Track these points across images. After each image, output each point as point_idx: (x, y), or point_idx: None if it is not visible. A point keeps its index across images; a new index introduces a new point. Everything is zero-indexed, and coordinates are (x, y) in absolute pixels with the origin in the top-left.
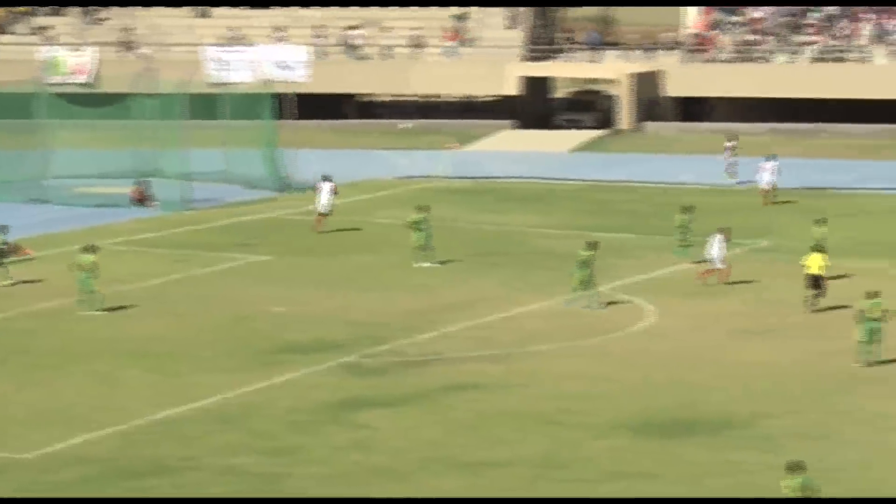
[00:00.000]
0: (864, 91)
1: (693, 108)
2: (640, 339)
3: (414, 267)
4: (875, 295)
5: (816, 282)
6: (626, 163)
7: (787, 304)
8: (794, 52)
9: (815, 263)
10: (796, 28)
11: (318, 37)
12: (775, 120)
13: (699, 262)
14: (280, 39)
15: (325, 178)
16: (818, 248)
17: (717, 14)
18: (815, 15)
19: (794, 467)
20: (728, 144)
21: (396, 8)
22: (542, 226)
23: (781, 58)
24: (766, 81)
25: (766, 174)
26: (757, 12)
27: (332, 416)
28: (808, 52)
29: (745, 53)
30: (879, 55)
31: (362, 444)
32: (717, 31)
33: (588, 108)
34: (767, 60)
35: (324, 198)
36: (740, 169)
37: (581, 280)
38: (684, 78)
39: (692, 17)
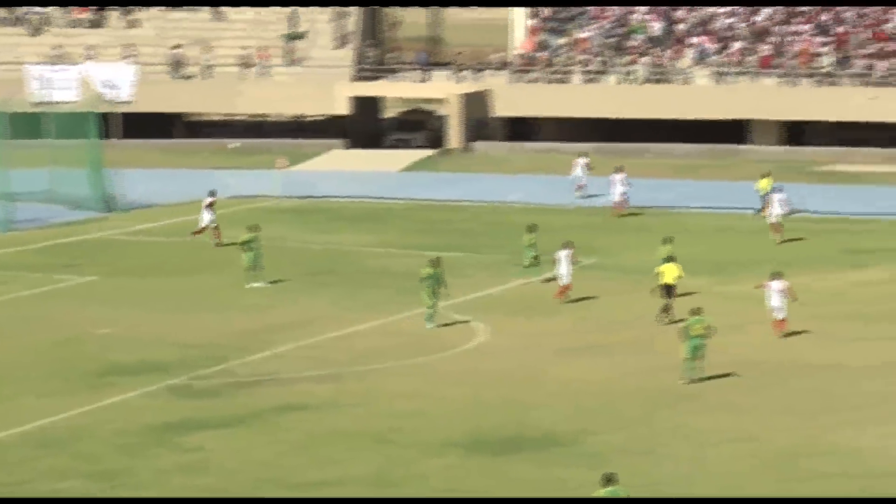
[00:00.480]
0: (686, 111)
1: (521, 128)
2: (472, 357)
3: (246, 288)
4: (698, 312)
5: (669, 291)
6: (455, 182)
7: (617, 321)
8: (619, 73)
9: (670, 273)
10: (620, 50)
11: (145, 55)
12: (600, 139)
13: (549, 279)
14: (106, 58)
15: (211, 194)
16: (672, 259)
17: (543, 35)
18: (639, 36)
19: (606, 480)
20: (581, 161)
21: (227, 26)
22: (374, 245)
23: (608, 78)
24: (590, 101)
25: (617, 186)
26: (582, 33)
27: (161, 439)
28: (632, 72)
29: (570, 74)
30: (700, 76)
31: (192, 467)
32: (543, 52)
33: (418, 127)
34: (593, 81)
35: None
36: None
37: (429, 296)
38: (512, 98)
39: (519, 39)
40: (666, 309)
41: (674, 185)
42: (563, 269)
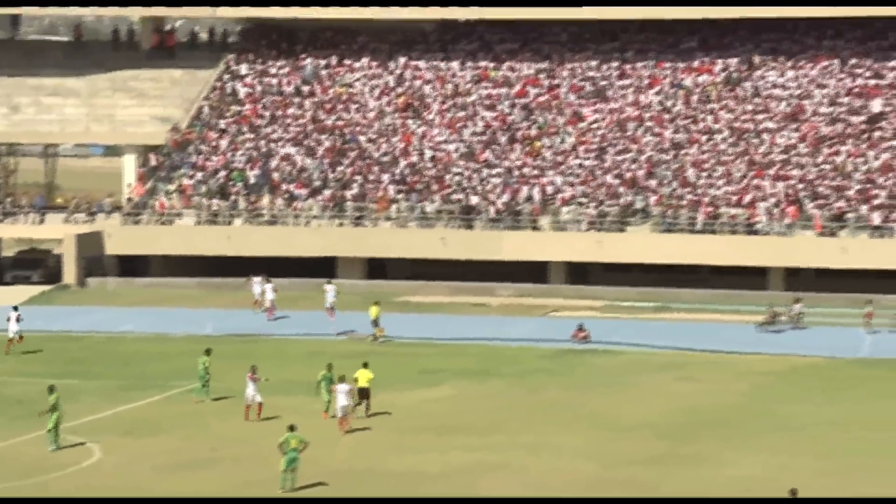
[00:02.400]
0: (285, 249)
1: (132, 265)
2: (81, 476)
3: None
4: (293, 428)
5: (364, 393)
6: (71, 314)
7: (223, 438)
8: (225, 215)
9: (363, 377)
10: (224, 195)
11: None
12: (204, 275)
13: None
14: None
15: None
16: (366, 364)
17: (153, 182)
18: (238, 183)
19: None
20: (270, 288)
21: None
22: None
23: (189, 219)
24: (197, 240)
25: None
26: (187, 180)
27: None
28: (234, 214)
29: (179, 216)
30: (294, 219)
31: None
32: (153, 197)
33: (37, 265)
34: (200, 223)
35: None
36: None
37: (51, 421)
38: (123, 238)
39: (130, 184)
40: (362, 406)
41: (279, 315)
42: (250, 392)
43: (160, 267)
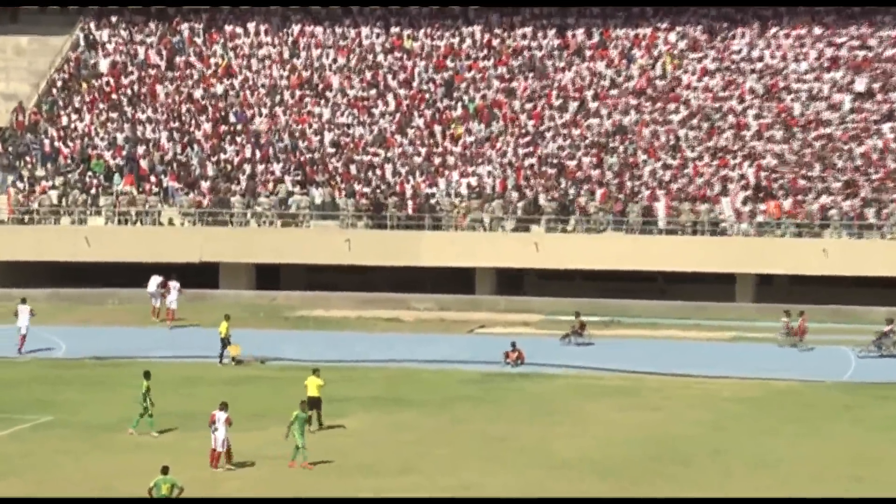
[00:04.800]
0: (156, 254)
1: None
2: None
3: None
4: (165, 471)
5: (315, 403)
6: None
7: (81, 481)
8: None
9: (313, 385)
10: (82, 189)
11: None
12: (56, 285)
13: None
14: None
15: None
16: (316, 371)
17: None
18: (100, 173)
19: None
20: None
21: None
22: None
23: (65, 220)
24: (43, 244)
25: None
26: (35, 170)
27: None
28: (93, 212)
29: (20, 215)
30: (170, 217)
31: None
32: None
33: None
34: (51, 223)
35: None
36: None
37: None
38: None
39: None
40: (310, 420)
41: (137, 333)
42: (221, 435)
43: (2, 276)
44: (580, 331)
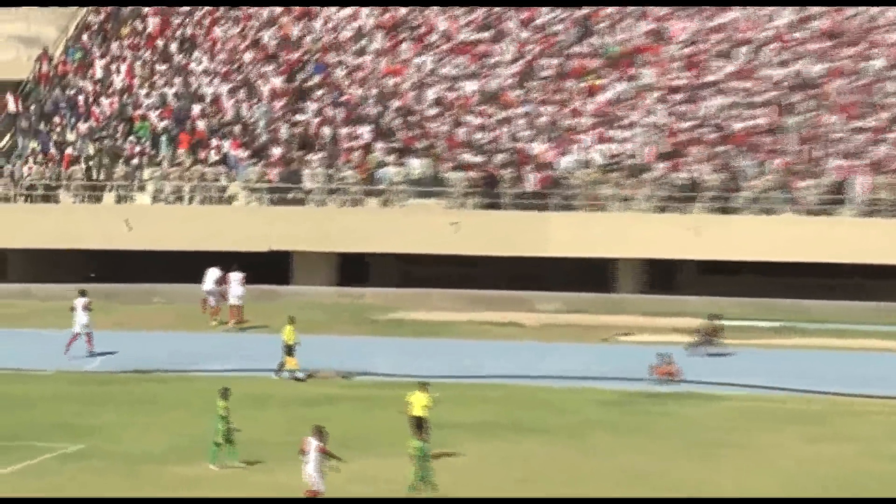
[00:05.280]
0: (219, 239)
1: None
2: None
3: None
4: None
5: (420, 424)
6: None
7: None
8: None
9: (418, 402)
10: (121, 158)
11: None
12: (88, 279)
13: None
14: None
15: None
16: (424, 386)
17: (11, 138)
18: (143, 138)
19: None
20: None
21: None
22: None
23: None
24: (73, 228)
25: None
26: (69, 135)
27: None
28: (136, 187)
29: (45, 192)
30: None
31: None
32: (15, 160)
33: None
34: (82, 200)
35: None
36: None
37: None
38: None
39: None
40: (420, 440)
41: (190, 340)
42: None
43: (23, 267)
44: (712, 336)
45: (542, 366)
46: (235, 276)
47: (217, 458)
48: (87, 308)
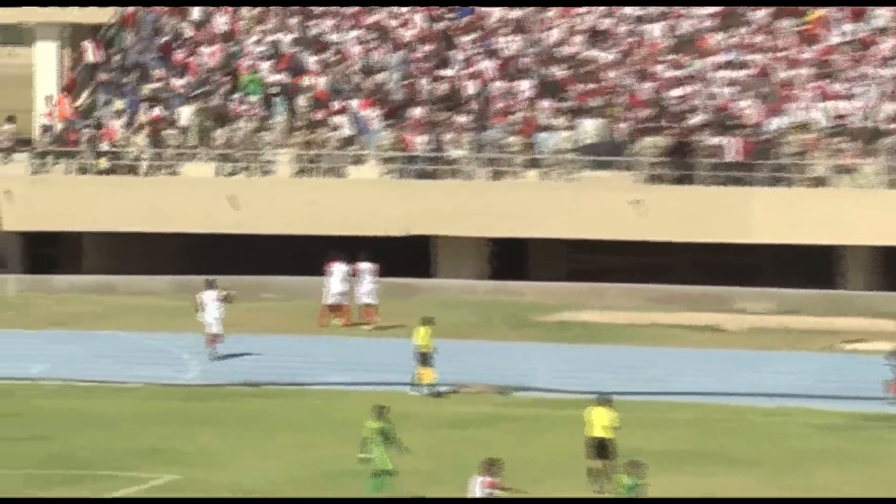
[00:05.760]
0: (344, 221)
1: (50, 251)
2: None
3: None
4: None
5: (602, 448)
6: None
7: None
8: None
9: (599, 421)
10: (225, 119)
11: None
12: (181, 269)
13: None
14: None
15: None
16: (606, 401)
17: (91, 94)
18: (253, 96)
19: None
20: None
21: None
22: None
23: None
24: (162, 205)
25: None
26: (159, 92)
27: None
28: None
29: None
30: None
31: None
32: (94, 120)
33: None
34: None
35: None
36: None
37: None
38: (35, 200)
39: (52, 97)
40: (597, 473)
41: (309, 344)
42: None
43: (102, 256)
44: None
45: (746, 380)
46: (367, 267)
47: (377, 489)
48: (222, 300)
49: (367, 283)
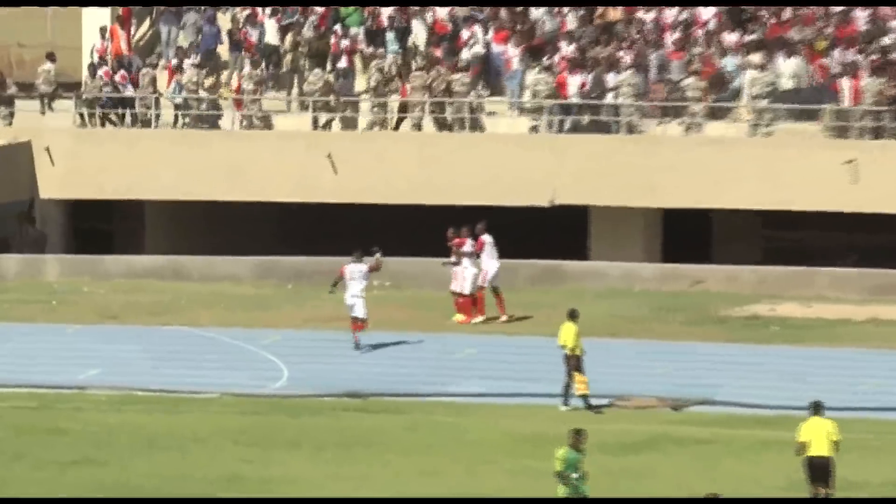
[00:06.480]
0: (472, 186)
1: (101, 224)
2: None
3: None
4: None
5: (825, 470)
6: None
7: None
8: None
9: (819, 436)
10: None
11: None
12: (267, 250)
13: None
14: None
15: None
16: (817, 408)
17: (151, 28)
18: (355, 28)
19: None
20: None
21: None
22: None
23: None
24: (241, 167)
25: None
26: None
27: None
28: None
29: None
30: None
31: None
32: (154, 61)
33: None
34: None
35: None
36: None
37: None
38: (82, 160)
39: (105, 30)
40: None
41: (427, 343)
42: None
43: (168, 231)
44: None
45: None
46: (489, 240)
47: None
48: (367, 276)
49: (491, 258)
